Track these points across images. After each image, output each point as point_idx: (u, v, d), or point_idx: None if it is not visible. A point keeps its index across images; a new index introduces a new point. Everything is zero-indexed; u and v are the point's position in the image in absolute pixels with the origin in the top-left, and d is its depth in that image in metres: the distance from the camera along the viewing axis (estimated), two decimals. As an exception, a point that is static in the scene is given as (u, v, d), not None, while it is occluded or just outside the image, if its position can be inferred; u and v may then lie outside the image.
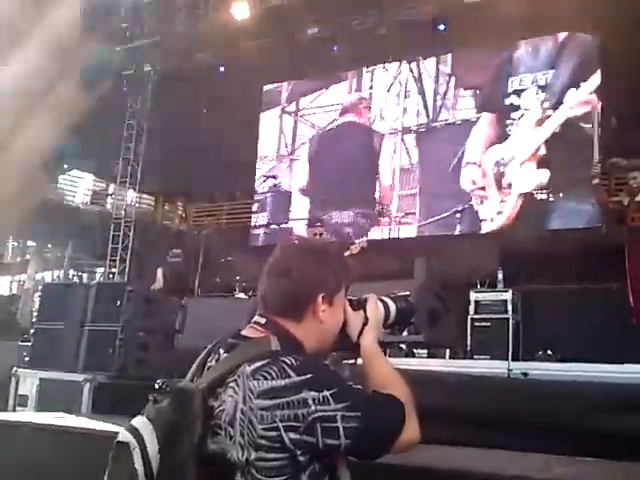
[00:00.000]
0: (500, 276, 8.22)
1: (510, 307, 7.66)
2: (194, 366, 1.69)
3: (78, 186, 18.80)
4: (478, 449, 3.14)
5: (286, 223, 13.00)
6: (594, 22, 10.79)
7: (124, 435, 1.53)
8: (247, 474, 1.49)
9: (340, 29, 12.13)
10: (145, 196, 17.05)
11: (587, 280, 7.99)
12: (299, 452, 1.49)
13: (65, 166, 17.70)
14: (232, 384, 1.55)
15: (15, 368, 6.64)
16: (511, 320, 7.54)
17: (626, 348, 5.77)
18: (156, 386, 1.57)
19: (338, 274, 1.78)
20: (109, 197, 17.58)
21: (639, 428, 3.26)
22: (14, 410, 6.31)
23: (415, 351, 7.58)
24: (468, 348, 7.48)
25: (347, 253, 7.32)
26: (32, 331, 7.60)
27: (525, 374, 4.05)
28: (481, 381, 3.86)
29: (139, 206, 15.85)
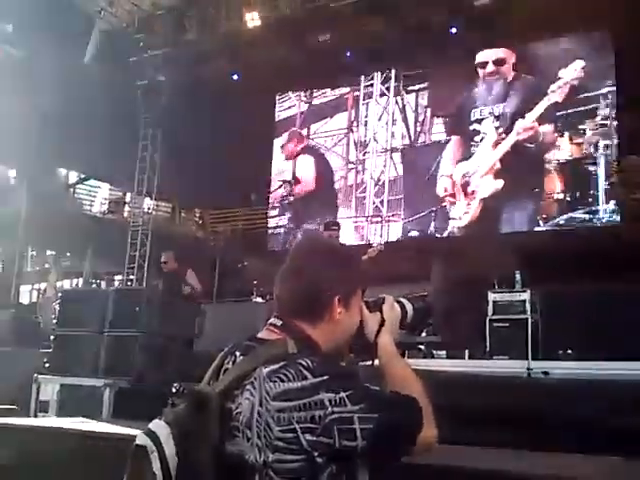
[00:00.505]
0: (518, 277, 8.17)
1: (529, 307, 7.63)
2: (211, 369, 1.69)
3: (96, 195, 18.93)
4: (500, 449, 3.13)
5: (302, 227, 13.05)
6: (606, 21, 10.77)
7: (142, 439, 1.53)
8: (265, 476, 1.49)
9: (352, 35, 12.14)
10: (162, 203, 17.13)
11: (607, 279, 7.94)
12: (316, 454, 1.48)
13: (82, 176, 17.85)
14: (249, 386, 1.54)
15: (36, 374, 6.68)
16: (530, 320, 7.50)
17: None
18: (173, 390, 1.58)
19: (354, 276, 1.78)
20: (126, 205, 17.69)
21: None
22: (35, 416, 6.36)
23: (434, 352, 7.57)
24: (487, 349, 7.45)
25: (365, 256, 7.32)
26: (52, 337, 7.64)
27: (546, 373, 4.02)
28: (502, 380, 3.84)
29: (156, 214, 15.93)
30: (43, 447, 3.71)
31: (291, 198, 13.42)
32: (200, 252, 12.90)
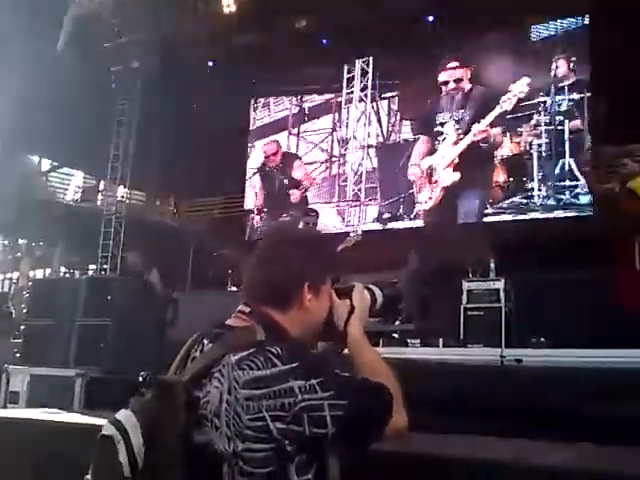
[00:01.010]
0: (492, 265, 8.23)
1: (502, 295, 7.68)
2: (178, 358, 1.66)
3: (69, 184, 18.72)
4: (472, 436, 3.14)
5: (278, 215, 13.14)
6: (583, 10, 10.87)
7: (108, 428, 1.50)
8: (234, 465, 1.47)
9: (329, 21, 12.14)
10: (136, 192, 16.99)
11: (580, 267, 8.01)
12: (286, 442, 1.47)
13: (55, 164, 17.65)
14: (217, 374, 1.52)
15: (5, 365, 6.59)
16: (504, 308, 7.56)
17: (617, 334, 5.78)
18: (140, 379, 1.55)
19: (324, 263, 1.76)
20: (100, 194, 17.51)
21: (632, 413, 3.25)
22: (5, 407, 6.28)
23: (408, 340, 7.59)
24: (461, 337, 7.49)
25: (342, 245, 7.32)
26: (22, 327, 7.54)
27: (519, 360, 4.04)
28: (474, 368, 3.86)
29: (130, 202, 15.80)
30: (13, 439, 3.66)
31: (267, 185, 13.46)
32: (174, 241, 12.84)
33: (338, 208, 11.91)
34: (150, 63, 13.80)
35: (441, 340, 7.45)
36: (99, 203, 16.74)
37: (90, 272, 15.05)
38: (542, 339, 7.03)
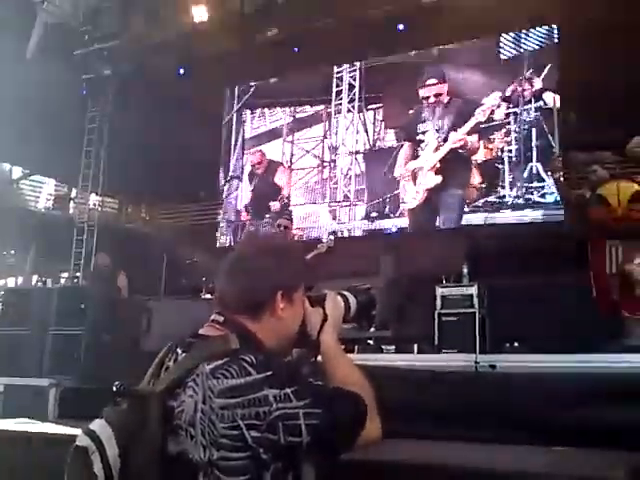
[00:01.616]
0: (465, 271, 8.27)
1: (476, 301, 7.73)
2: (152, 367, 1.66)
3: (40, 191, 18.54)
4: (447, 442, 3.15)
5: (253, 222, 13.26)
6: (553, 18, 11.05)
7: (82, 439, 1.50)
8: (210, 474, 1.47)
9: (299, 31, 12.21)
10: (108, 199, 16.88)
11: (552, 273, 8.08)
12: (261, 450, 1.47)
13: (26, 171, 17.47)
14: (191, 384, 1.52)
15: (-23, 375, 6.51)
16: (477, 314, 7.61)
17: (590, 339, 5.84)
18: (114, 389, 1.54)
19: (297, 271, 1.76)
20: (72, 201, 17.36)
21: (605, 417, 3.29)
22: (-23, 418, 6.19)
23: (383, 347, 7.61)
24: (435, 343, 7.53)
25: (315, 252, 7.31)
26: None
27: (493, 366, 4.07)
28: (449, 375, 3.88)
29: (102, 210, 15.69)
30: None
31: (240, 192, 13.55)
32: (147, 249, 12.76)
33: (330, 208, 12.83)
34: (121, 71, 13.76)
35: (416, 346, 7.49)
36: (71, 211, 16.60)
37: (62, 280, 14.90)
38: (516, 344, 7.11)
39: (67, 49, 13.34)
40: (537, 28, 11.49)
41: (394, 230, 11.92)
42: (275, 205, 13.15)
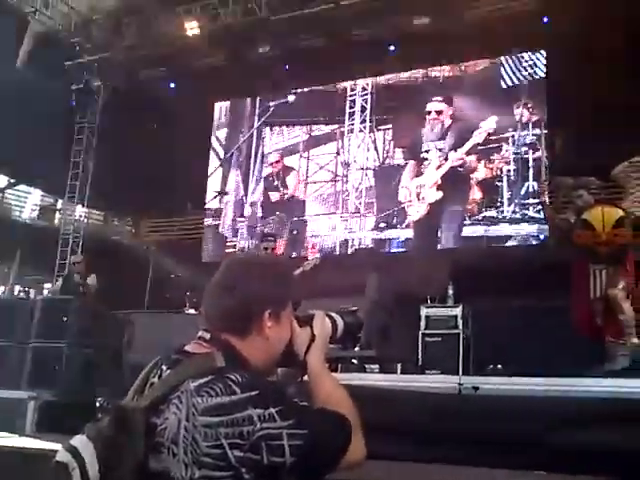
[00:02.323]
0: (450, 292, 8.29)
1: (460, 322, 7.75)
2: (136, 383, 1.64)
3: (26, 201, 18.44)
4: (428, 464, 3.14)
5: (237, 238, 13.38)
6: (540, 43, 11.19)
7: (63, 455, 1.48)
8: (191, 493, 1.45)
9: (291, 49, 12.30)
10: (94, 211, 16.82)
11: (536, 296, 8.12)
12: (244, 470, 1.45)
13: (12, 181, 17.38)
14: (175, 401, 1.50)
15: (-45, 387, 6.40)
16: (461, 335, 7.62)
17: (574, 363, 5.86)
18: (97, 404, 1.53)
19: (284, 290, 1.75)
20: (57, 212, 17.29)
21: (586, 442, 3.29)
22: (-46, 431, 6.10)
23: (367, 366, 7.60)
24: (419, 363, 7.52)
25: (300, 269, 7.31)
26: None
27: (476, 388, 4.06)
28: (431, 396, 3.87)
29: (88, 221, 15.62)
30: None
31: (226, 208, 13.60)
32: (132, 261, 12.71)
33: (342, 218, 13.64)
34: (111, 82, 13.77)
35: (399, 366, 7.48)
36: (56, 222, 16.52)
37: (45, 291, 14.79)
38: (499, 366, 7.11)
39: (57, 60, 13.34)
40: (527, 57, 11.88)
41: (402, 239, 12.73)
42: (275, 195, 14.13)
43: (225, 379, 1.50)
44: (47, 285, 15.04)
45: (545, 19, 10.76)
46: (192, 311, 9.60)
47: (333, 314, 1.92)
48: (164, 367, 1.61)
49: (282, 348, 1.74)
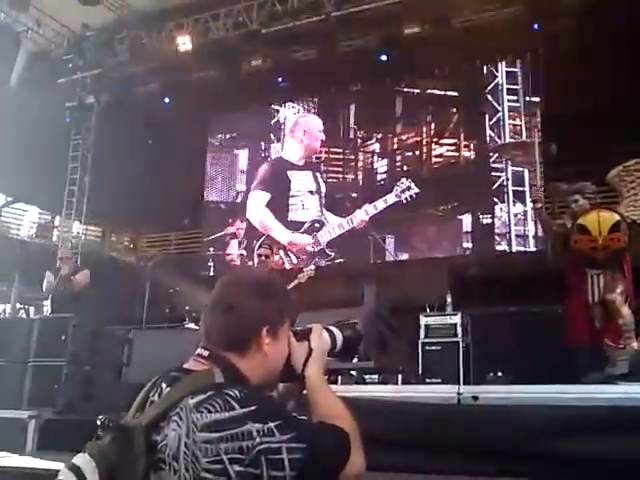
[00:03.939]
0: (449, 300, 8.29)
1: (460, 330, 7.74)
2: (136, 402, 1.65)
3: (23, 219, 18.45)
4: (427, 475, 3.14)
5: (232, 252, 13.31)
6: (532, 50, 11.24)
7: (65, 474, 1.49)
8: (192, 509, 1.46)
9: (283, 61, 12.34)
10: (91, 228, 16.81)
11: (535, 302, 8.12)
12: (244, 485, 1.47)
13: (9, 199, 17.38)
14: (175, 417, 1.52)
15: (-47, 407, 6.38)
16: (461, 343, 7.61)
17: (574, 369, 5.86)
18: (98, 422, 1.54)
19: (281, 306, 1.77)
20: (55, 230, 17.28)
21: (589, 450, 3.28)
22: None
23: (366, 377, 7.59)
24: (419, 372, 7.51)
25: (295, 282, 7.31)
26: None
27: (475, 397, 4.06)
28: (430, 407, 3.87)
29: (86, 238, 15.61)
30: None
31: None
32: (130, 277, 12.69)
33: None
34: (105, 99, 13.80)
35: (400, 377, 7.47)
36: (54, 239, 16.50)
37: (45, 308, 14.75)
38: (499, 374, 7.11)
39: (51, 77, 13.38)
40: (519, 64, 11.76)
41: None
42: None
43: (224, 395, 1.52)
44: (47, 302, 15.01)
45: (536, 25, 10.76)
46: (192, 325, 9.58)
47: (332, 328, 1.93)
48: (164, 385, 1.62)
49: (281, 364, 1.76)
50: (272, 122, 13.86)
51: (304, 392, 1.82)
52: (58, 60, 13.38)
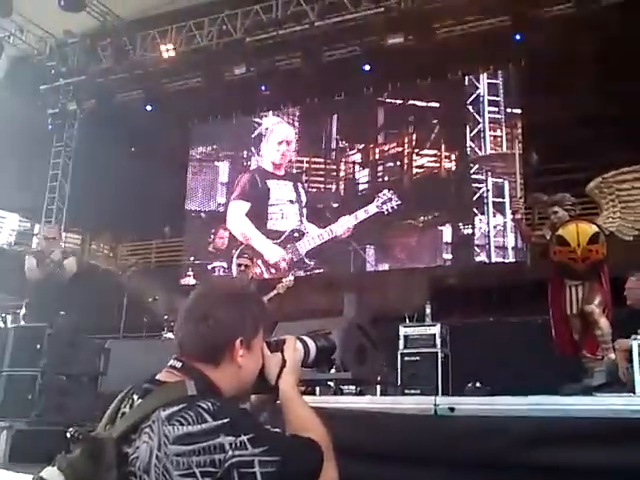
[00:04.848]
0: (428, 310, 8.31)
1: (439, 341, 7.76)
2: (107, 413, 1.63)
3: (2, 226, 18.29)
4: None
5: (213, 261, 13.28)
6: (514, 61, 11.32)
7: (32, 487, 1.47)
8: (164, 523, 1.44)
9: (267, 69, 12.35)
10: (71, 235, 16.69)
11: (514, 313, 8.17)
12: (216, 498, 1.45)
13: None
14: (147, 430, 1.50)
15: None
16: (440, 354, 7.63)
17: (552, 380, 5.88)
18: (68, 435, 1.51)
19: (255, 318, 1.76)
20: (35, 237, 17.13)
21: (567, 461, 3.28)
22: None
23: (344, 388, 7.56)
24: (398, 383, 7.51)
25: (274, 292, 7.29)
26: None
27: (452, 409, 4.06)
28: (406, 418, 3.86)
29: (65, 246, 15.49)
30: None
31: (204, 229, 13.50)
32: (109, 285, 12.60)
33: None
34: (87, 106, 13.74)
35: (378, 387, 7.45)
36: (34, 246, 16.36)
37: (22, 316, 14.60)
38: (478, 384, 7.13)
39: (33, 83, 13.32)
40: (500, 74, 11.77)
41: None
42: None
43: (196, 407, 1.50)
44: (24, 311, 14.86)
45: (518, 36, 10.83)
46: (170, 335, 9.51)
47: (305, 338, 1.92)
48: (135, 396, 1.61)
49: (255, 375, 1.75)
50: (254, 134, 13.76)
51: (277, 403, 1.81)
52: (40, 66, 13.32)
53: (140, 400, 1.59)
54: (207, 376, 1.64)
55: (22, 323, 7.77)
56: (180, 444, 1.46)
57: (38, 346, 6.47)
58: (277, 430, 1.62)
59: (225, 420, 1.49)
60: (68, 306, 7.69)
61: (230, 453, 1.46)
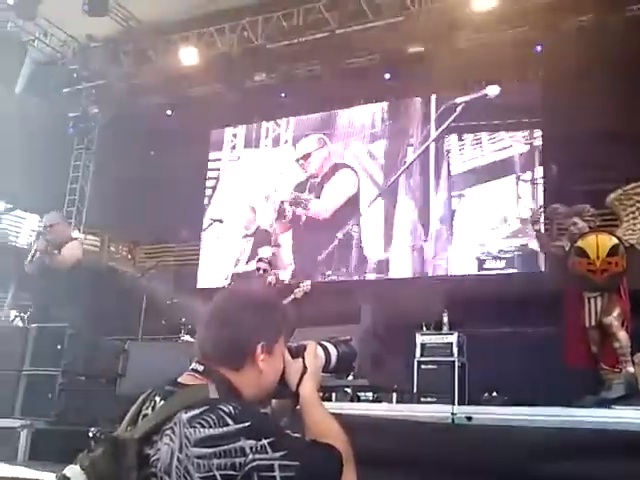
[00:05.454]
0: (445, 319, 8.29)
1: (456, 350, 7.73)
2: (129, 414, 1.65)
3: (22, 226, 18.42)
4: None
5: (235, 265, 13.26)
6: (534, 74, 11.27)
7: (55, 486, 1.49)
8: (183, 524, 1.46)
9: (287, 76, 12.39)
10: (90, 237, 16.79)
11: (532, 323, 8.12)
12: (236, 501, 1.46)
13: (9, 206, 17.37)
14: (168, 432, 1.51)
15: (-56, 415, 6.32)
16: (457, 362, 7.61)
17: (569, 392, 5.85)
18: (90, 435, 1.53)
19: (277, 323, 1.77)
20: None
21: (581, 474, 3.27)
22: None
23: (361, 395, 7.57)
24: (414, 391, 7.50)
25: (291, 297, 7.30)
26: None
27: (469, 418, 4.05)
28: (424, 426, 3.86)
29: (84, 247, 15.57)
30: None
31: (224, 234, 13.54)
32: (128, 287, 12.66)
33: None
34: (108, 109, 13.85)
35: (394, 395, 7.45)
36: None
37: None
38: (494, 394, 7.10)
39: (55, 87, 13.42)
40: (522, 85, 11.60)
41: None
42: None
43: (218, 410, 1.51)
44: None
45: (539, 47, 10.80)
46: (187, 338, 9.55)
47: (326, 344, 1.93)
48: (157, 398, 1.62)
49: (275, 380, 1.76)
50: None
51: (297, 408, 1.82)
52: (63, 70, 13.42)
53: (162, 402, 1.60)
54: (229, 380, 1.65)
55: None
56: (201, 446, 1.48)
57: (59, 346, 6.52)
58: (297, 435, 1.63)
59: (246, 424, 1.50)
60: (70, 298, 6.89)
61: (250, 457, 1.48)
